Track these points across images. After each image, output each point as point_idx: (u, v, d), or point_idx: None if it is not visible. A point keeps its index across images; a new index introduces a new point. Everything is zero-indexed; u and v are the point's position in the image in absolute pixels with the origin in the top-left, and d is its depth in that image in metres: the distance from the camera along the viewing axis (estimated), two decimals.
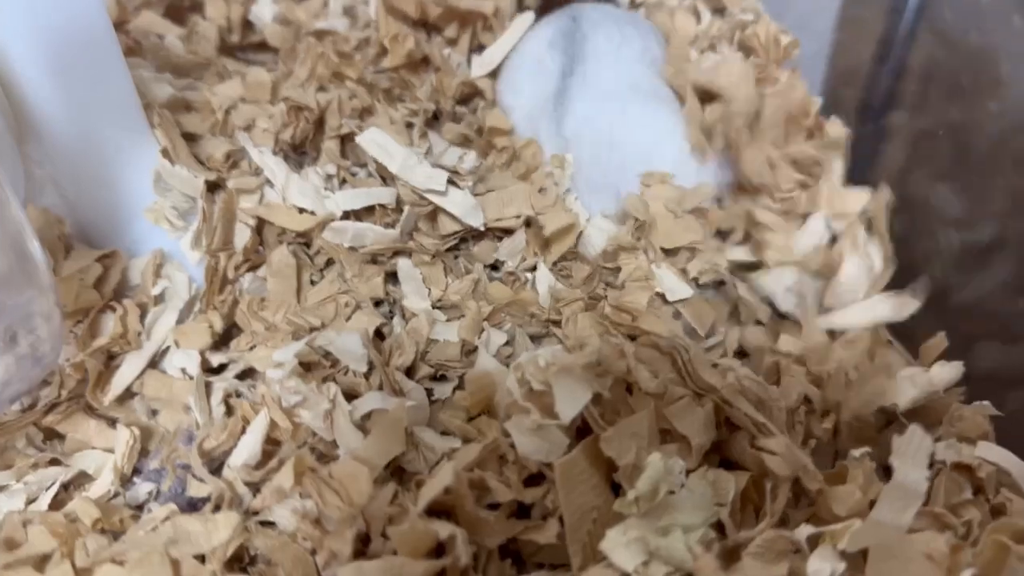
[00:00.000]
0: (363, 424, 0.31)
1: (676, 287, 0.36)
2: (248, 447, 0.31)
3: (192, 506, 0.31)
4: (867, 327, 0.37)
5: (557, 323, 0.36)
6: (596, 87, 0.41)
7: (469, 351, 0.35)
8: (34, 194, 0.35)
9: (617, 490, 0.28)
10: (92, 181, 0.35)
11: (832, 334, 0.37)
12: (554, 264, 0.39)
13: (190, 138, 0.39)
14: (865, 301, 0.38)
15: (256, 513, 0.29)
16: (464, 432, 0.31)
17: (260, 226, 0.38)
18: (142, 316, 0.35)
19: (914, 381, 0.34)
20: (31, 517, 0.29)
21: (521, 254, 0.39)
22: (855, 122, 0.55)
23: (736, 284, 0.38)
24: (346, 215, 0.38)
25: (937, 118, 0.53)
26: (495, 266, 0.40)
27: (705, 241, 0.38)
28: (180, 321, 0.36)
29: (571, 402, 0.27)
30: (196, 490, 0.31)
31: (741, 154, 0.39)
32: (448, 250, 0.39)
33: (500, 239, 0.39)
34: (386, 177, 0.38)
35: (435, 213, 0.38)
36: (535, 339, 0.37)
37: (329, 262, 0.38)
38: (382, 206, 0.38)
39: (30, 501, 0.31)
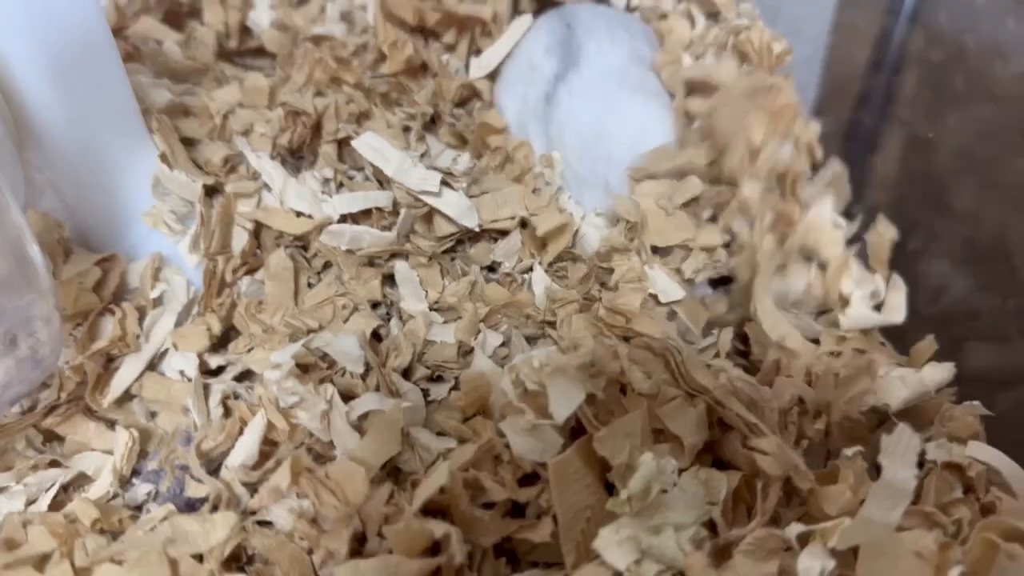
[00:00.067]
0: (360, 425, 0.31)
1: (669, 289, 0.37)
2: (245, 448, 0.31)
3: (190, 506, 0.31)
4: (860, 329, 0.38)
5: (552, 324, 0.37)
6: (584, 85, 0.41)
7: (466, 352, 0.36)
8: (34, 199, 0.35)
9: (611, 489, 0.28)
10: (91, 186, 0.36)
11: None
12: (550, 265, 0.39)
13: (188, 143, 0.40)
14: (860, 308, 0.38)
15: (253, 513, 0.29)
16: (459, 432, 0.32)
17: (258, 230, 0.38)
18: (141, 319, 0.36)
19: (905, 382, 0.34)
20: (31, 518, 0.29)
21: (517, 255, 0.39)
22: (850, 124, 0.56)
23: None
24: (343, 218, 0.38)
25: (932, 120, 0.54)
26: (492, 268, 0.40)
27: (700, 227, 0.38)
28: (178, 324, 0.36)
29: (565, 402, 0.28)
30: (194, 491, 0.31)
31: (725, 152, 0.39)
32: (445, 252, 0.39)
33: (496, 240, 0.39)
34: (382, 180, 0.39)
35: (431, 215, 0.38)
36: (531, 340, 0.37)
37: (326, 265, 0.38)
38: (379, 209, 0.38)
39: (30, 502, 0.32)
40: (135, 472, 0.33)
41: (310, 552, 0.28)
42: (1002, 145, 0.49)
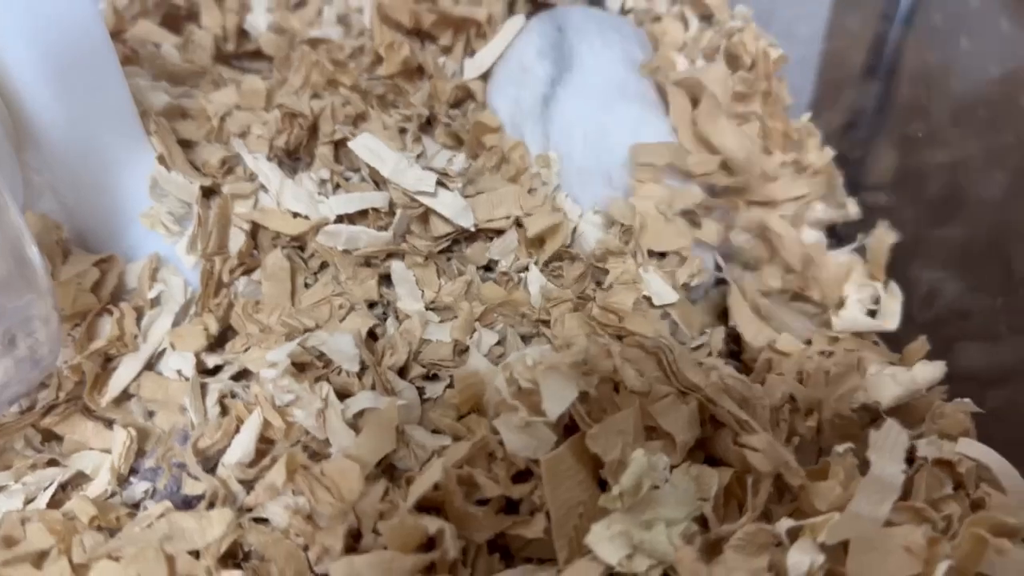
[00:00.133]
0: (355, 423, 0.32)
1: (662, 291, 0.37)
2: (242, 446, 0.31)
3: (187, 504, 0.31)
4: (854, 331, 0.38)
5: (547, 323, 0.37)
6: (583, 89, 0.41)
7: (461, 351, 0.36)
8: (33, 200, 0.35)
9: (604, 486, 0.28)
10: (90, 187, 0.36)
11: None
12: (547, 264, 0.39)
13: (186, 145, 0.40)
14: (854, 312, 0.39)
15: (250, 510, 0.30)
16: (454, 430, 0.32)
17: (255, 230, 0.38)
18: (139, 319, 0.36)
19: (897, 380, 0.34)
20: (29, 515, 0.30)
21: (514, 254, 0.39)
22: (844, 126, 0.56)
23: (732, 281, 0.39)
24: (340, 219, 0.38)
25: (926, 122, 0.54)
26: (489, 267, 0.40)
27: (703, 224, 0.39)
28: (176, 324, 0.36)
29: (558, 400, 0.28)
30: (191, 488, 0.31)
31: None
32: (441, 252, 0.39)
33: (491, 240, 0.39)
34: (379, 181, 0.39)
35: (427, 215, 0.38)
36: (526, 339, 0.37)
37: (323, 265, 0.39)
38: (375, 210, 0.38)
39: (28, 501, 0.32)
40: (133, 470, 0.33)
41: (306, 548, 0.28)
42: (997, 146, 0.49)
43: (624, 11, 0.49)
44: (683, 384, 0.31)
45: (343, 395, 0.33)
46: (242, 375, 0.36)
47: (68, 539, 0.29)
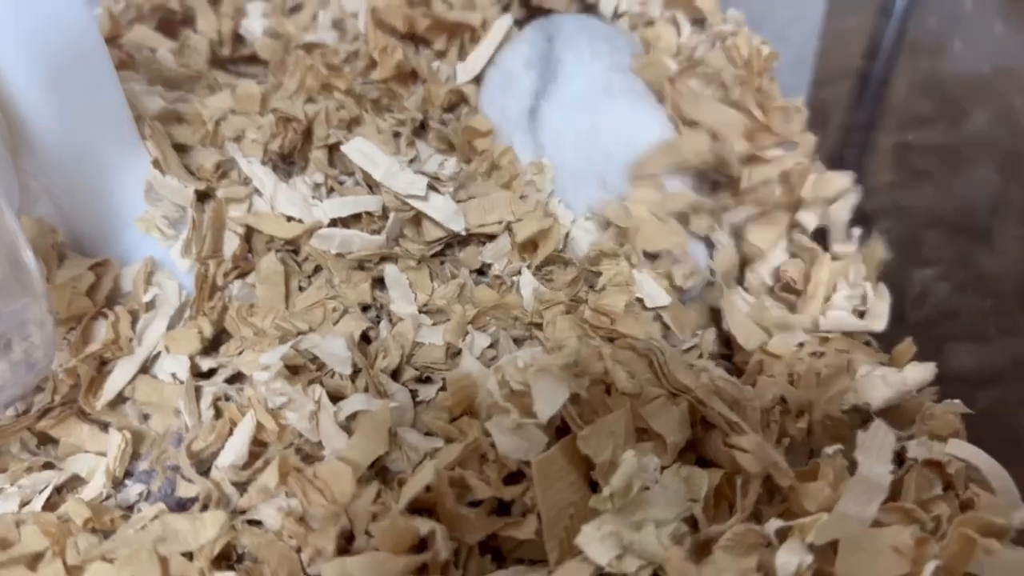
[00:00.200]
0: (348, 425, 0.32)
1: (655, 294, 0.37)
2: (235, 448, 0.31)
3: (181, 506, 0.31)
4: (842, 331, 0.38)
5: (540, 326, 0.37)
6: (566, 98, 0.42)
7: (454, 354, 0.36)
8: (29, 205, 0.35)
9: (595, 487, 0.29)
10: (85, 192, 0.36)
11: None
12: (539, 268, 0.40)
13: (181, 149, 0.40)
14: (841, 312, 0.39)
15: (243, 512, 0.30)
16: (446, 432, 0.32)
17: (249, 234, 0.39)
18: (133, 323, 0.36)
19: (887, 381, 0.34)
20: (24, 518, 0.30)
21: (507, 257, 0.40)
22: (839, 129, 0.56)
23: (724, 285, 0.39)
24: (333, 223, 0.38)
25: (922, 123, 0.54)
26: (482, 271, 0.40)
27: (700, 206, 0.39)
28: (171, 327, 0.37)
29: (549, 402, 0.28)
30: (185, 490, 0.31)
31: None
32: (434, 256, 0.40)
33: (484, 244, 0.40)
34: (372, 185, 0.39)
35: (419, 219, 0.39)
36: (519, 342, 0.37)
37: (317, 269, 0.39)
38: (368, 213, 0.38)
39: (24, 504, 0.32)
40: (127, 473, 0.34)
41: (298, 550, 0.28)
42: (991, 148, 0.49)
43: (617, 15, 0.49)
44: (674, 386, 0.31)
45: (336, 398, 0.33)
46: (236, 378, 0.36)
47: (62, 541, 0.29)
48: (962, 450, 0.31)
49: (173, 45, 0.48)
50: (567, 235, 0.41)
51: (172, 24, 0.50)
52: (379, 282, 0.39)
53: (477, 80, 0.45)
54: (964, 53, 0.58)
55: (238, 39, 0.50)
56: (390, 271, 0.38)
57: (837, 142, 0.55)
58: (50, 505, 0.32)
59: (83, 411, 0.35)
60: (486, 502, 0.29)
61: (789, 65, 0.47)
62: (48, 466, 0.34)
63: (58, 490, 0.33)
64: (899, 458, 0.31)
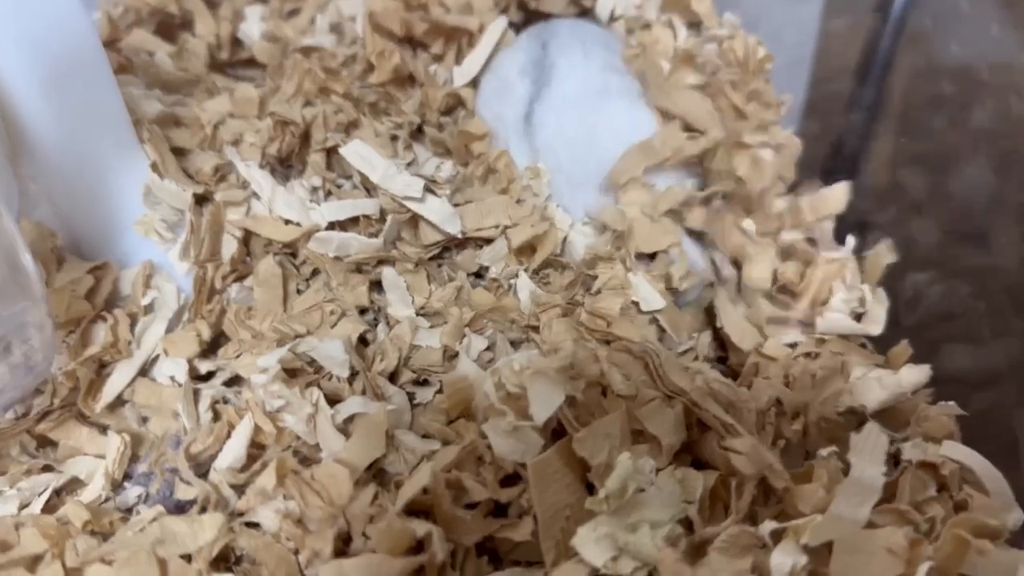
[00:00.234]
0: (345, 428, 0.32)
1: (650, 297, 0.37)
2: (233, 451, 0.32)
3: (179, 508, 0.32)
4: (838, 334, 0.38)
5: (536, 329, 0.37)
6: (559, 104, 0.42)
7: (451, 356, 0.36)
8: (28, 209, 0.36)
9: (591, 489, 0.29)
10: (84, 196, 0.37)
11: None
12: (536, 271, 0.40)
13: (179, 153, 0.40)
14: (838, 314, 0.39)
15: (241, 514, 0.30)
16: (443, 435, 0.32)
17: (247, 237, 0.39)
18: (132, 326, 0.36)
19: (882, 383, 0.34)
20: (23, 520, 0.30)
21: (504, 260, 0.40)
22: (835, 130, 0.56)
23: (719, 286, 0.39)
24: (331, 226, 0.39)
25: (917, 125, 0.55)
26: (479, 274, 0.41)
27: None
28: (169, 330, 0.37)
29: (545, 404, 0.28)
30: (183, 493, 0.32)
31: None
32: (432, 259, 0.40)
33: (481, 248, 0.40)
34: (370, 188, 0.39)
35: (417, 223, 0.39)
36: (515, 344, 0.37)
37: (315, 272, 0.39)
38: (366, 216, 0.39)
39: (23, 506, 0.32)
40: (126, 476, 0.34)
41: (296, 552, 0.29)
42: (987, 149, 0.50)
43: (613, 18, 0.49)
44: (669, 388, 0.31)
45: (333, 400, 0.33)
46: (234, 381, 0.36)
47: (62, 544, 0.29)
48: (956, 452, 0.32)
49: (171, 49, 0.48)
50: (565, 239, 0.41)
51: (170, 28, 0.50)
52: (377, 285, 0.39)
53: (474, 83, 0.45)
54: (960, 54, 0.58)
55: (236, 43, 0.50)
56: (388, 274, 0.38)
57: (833, 144, 0.55)
58: (49, 507, 0.32)
59: (82, 414, 0.35)
60: (483, 504, 0.29)
61: (785, 68, 0.47)
62: (47, 469, 0.34)
63: (57, 492, 0.33)
64: (894, 460, 0.31)
